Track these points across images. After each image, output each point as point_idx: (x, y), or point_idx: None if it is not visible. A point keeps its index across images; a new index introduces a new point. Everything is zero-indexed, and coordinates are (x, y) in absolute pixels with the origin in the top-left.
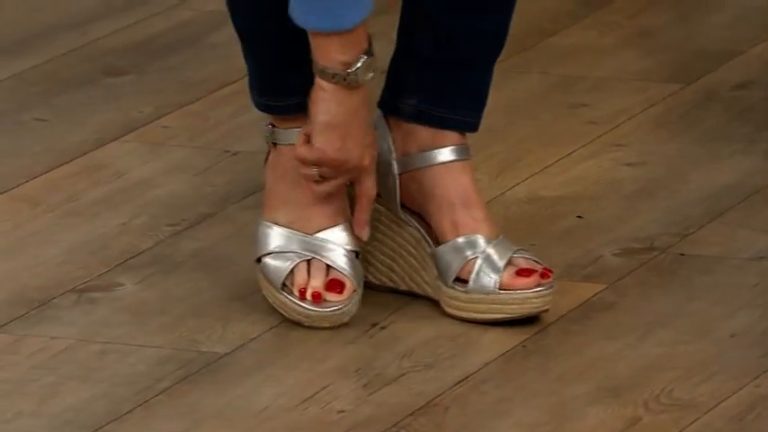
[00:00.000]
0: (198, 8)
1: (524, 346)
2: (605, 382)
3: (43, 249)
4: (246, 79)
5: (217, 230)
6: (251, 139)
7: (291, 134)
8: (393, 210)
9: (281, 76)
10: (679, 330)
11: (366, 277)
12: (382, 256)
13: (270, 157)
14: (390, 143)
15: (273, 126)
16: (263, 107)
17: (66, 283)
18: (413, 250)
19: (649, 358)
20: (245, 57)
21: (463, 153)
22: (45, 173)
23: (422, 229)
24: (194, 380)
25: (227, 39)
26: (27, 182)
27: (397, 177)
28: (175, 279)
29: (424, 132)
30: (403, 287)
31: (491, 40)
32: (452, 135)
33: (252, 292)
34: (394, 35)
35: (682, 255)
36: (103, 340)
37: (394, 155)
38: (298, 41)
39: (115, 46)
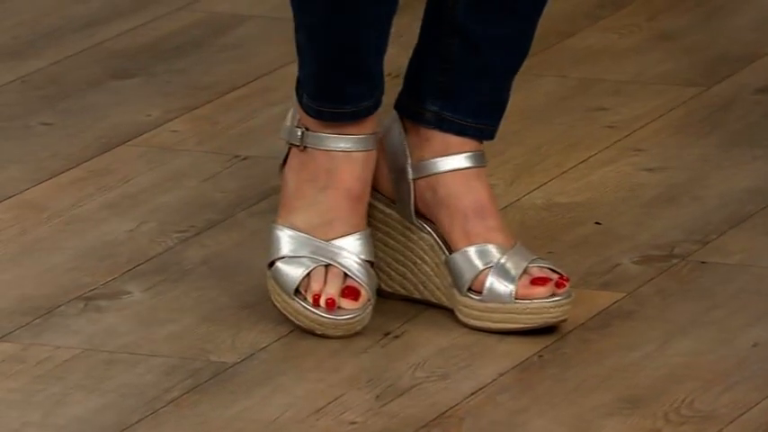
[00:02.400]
0: (206, 10)
1: (541, 356)
2: (624, 393)
3: (49, 256)
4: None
5: (226, 237)
6: (261, 144)
7: (330, 140)
8: (407, 216)
9: (341, 84)
10: (699, 340)
11: (379, 285)
12: (396, 264)
13: (293, 160)
14: (406, 148)
15: (307, 129)
16: (312, 112)
17: (72, 290)
18: (426, 257)
19: (669, 368)
20: (302, 59)
21: (479, 160)
22: (51, 178)
23: (436, 236)
24: (203, 390)
25: (236, 41)
26: (33, 187)
27: (411, 183)
28: (184, 287)
29: (440, 138)
30: (416, 295)
31: (516, 47)
32: (469, 142)
33: (262, 301)
34: (408, 37)
35: (702, 262)
36: (111, 349)
37: (409, 160)
38: (363, 48)
39: (122, 48)
